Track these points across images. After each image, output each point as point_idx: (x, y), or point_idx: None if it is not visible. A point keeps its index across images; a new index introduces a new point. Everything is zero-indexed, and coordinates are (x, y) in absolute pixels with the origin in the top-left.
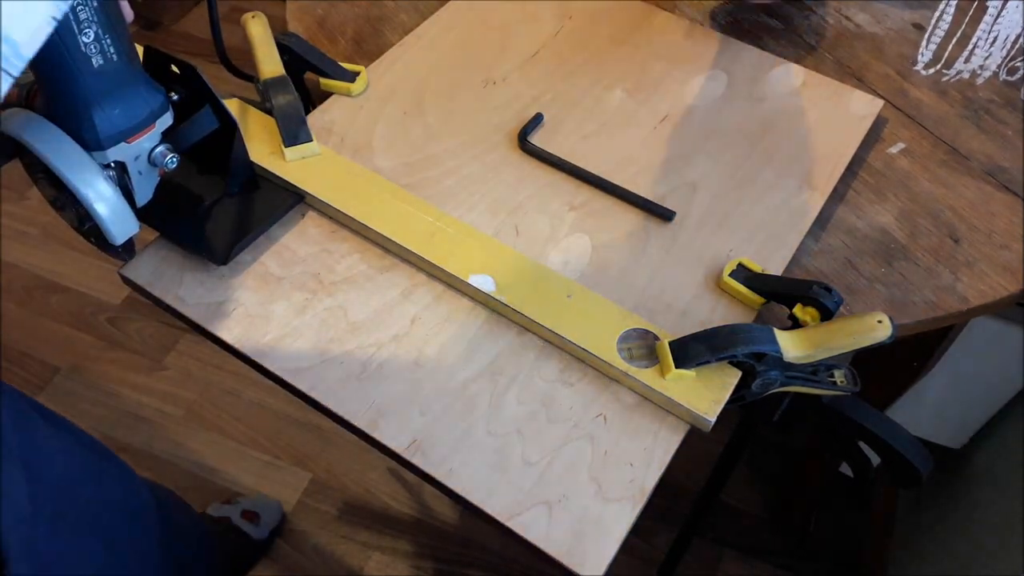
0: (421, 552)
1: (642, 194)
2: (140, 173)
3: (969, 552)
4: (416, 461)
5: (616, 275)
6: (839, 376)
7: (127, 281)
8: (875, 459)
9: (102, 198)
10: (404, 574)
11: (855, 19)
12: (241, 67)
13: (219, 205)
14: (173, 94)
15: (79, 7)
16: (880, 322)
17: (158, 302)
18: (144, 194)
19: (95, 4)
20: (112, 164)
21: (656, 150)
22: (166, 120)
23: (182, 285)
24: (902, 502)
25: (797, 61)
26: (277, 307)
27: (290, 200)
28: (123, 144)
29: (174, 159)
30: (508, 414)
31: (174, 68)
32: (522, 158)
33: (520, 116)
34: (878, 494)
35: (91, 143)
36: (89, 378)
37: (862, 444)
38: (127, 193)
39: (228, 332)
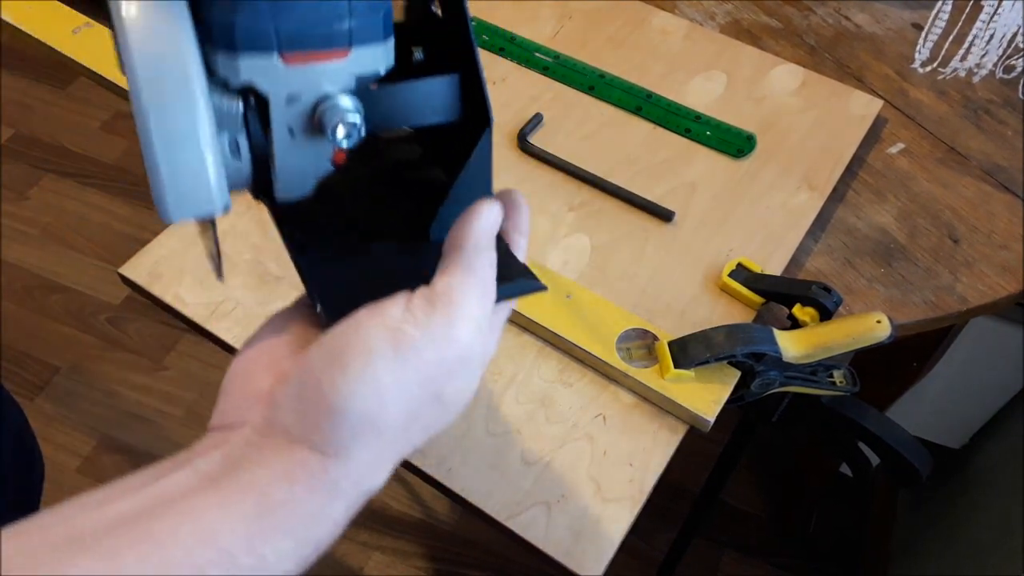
0: (421, 552)
1: (642, 194)
2: (291, 133)
3: (969, 552)
4: (415, 461)
5: (616, 275)
6: (838, 376)
7: (126, 281)
8: (875, 459)
9: (181, 138)
10: (404, 574)
11: (855, 19)
12: None
13: (404, 257)
14: (415, 51)
15: None
16: (879, 322)
17: (158, 302)
18: (289, 176)
19: None
20: (243, 91)
21: (656, 150)
22: (377, 57)
23: (182, 285)
24: (902, 502)
25: (797, 61)
26: (276, 307)
27: (530, 285)
28: (275, 58)
29: (358, 130)
30: (507, 414)
31: (434, 9)
32: (522, 158)
33: (520, 116)
34: (878, 494)
35: (219, 34)
36: (89, 378)
37: (862, 444)
38: (259, 159)
39: (228, 332)
